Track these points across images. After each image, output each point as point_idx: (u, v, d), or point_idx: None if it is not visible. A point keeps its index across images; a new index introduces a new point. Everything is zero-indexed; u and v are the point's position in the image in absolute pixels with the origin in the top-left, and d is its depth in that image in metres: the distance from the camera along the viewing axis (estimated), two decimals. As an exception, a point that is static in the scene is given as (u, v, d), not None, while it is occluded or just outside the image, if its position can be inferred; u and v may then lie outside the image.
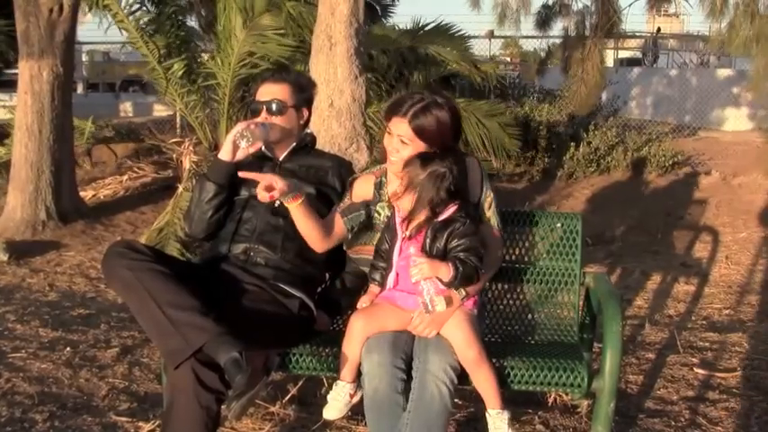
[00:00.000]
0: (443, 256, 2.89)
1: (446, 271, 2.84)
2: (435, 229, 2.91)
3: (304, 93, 3.49)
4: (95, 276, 6.31)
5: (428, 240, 2.91)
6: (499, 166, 9.93)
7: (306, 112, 3.50)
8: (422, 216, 2.92)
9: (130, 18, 8.38)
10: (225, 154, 3.28)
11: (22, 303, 5.56)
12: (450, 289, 2.90)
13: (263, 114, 3.36)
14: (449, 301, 2.88)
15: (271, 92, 3.39)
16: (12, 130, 9.46)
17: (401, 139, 3.01)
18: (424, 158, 2.93)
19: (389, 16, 14.41)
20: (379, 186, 3.20)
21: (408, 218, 2.95)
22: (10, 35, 9.39)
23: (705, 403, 3.96)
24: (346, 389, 3.01)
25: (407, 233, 2.95)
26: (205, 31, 11.48)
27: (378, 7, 13.34)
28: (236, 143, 3.23)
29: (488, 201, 3.14)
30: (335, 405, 3.03)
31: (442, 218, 2.91)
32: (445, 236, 2.89)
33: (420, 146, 2.99)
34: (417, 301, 2.87)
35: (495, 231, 3.15)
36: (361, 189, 3.24)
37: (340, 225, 3.21)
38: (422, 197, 2.89)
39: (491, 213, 3.14)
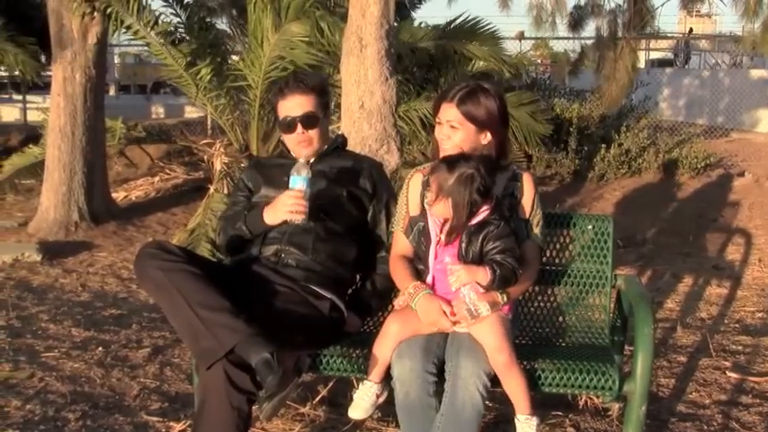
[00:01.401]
0: (480, 259, 2.89)
1: (483, 275, 2.84)
2: (470, 233, 2.90)
3: (326, 95, 3.50)
4: (127, 277, 6.36)
5: (463, 245, 2.90)
6: (536, 161, 9.91)
7: (329, 113, 3.54)
8: (456, 220, 2.90)
9: (152, 33, 8.40)
10: (272, 221, 3.25)
11: (55, 303, 5.62)
12: (492, 292, 2.90)
13: (299, 129, 3.37)
14: (492, 304, 2.87)
15: (299, 104, 3.37)
16: (43, 131, 9.59)
17: (451, 125, 3.08)
18: (449, 163, 2.93)
19: (417, 9, 14.31)
20: (426, 184, 3.19)
21: (443, 223, 2.94)
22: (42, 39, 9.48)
23: (738, 407, 3.92)
24: (373, 389, 3.01)
25: (442, 238, 2.95)
26: (236, 32, 11.53)
27: (406, 2, 13.25)
28: (288, 220, 3.20)
29: (537, 219, 3.18)
30: (361, 404, 3.03)
31: (475, 221, 2.91)
32: (480, 239, 2.89)
33: (470, 129, 3.06)
34: (458, 308, 2.86)
35: (540, 247, 3.21)
36: (414, 193, 3.22)
37: (406, 243, 3.18)
38: (455, 202, 2.87)
39: (538, 231, 3.17)
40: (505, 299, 2.92)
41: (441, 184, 2.90)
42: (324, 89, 3.50)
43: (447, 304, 2.90)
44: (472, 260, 2.89)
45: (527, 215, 3.14)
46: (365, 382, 3.03)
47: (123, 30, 8.34)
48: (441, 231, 2.95)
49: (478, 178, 2.88)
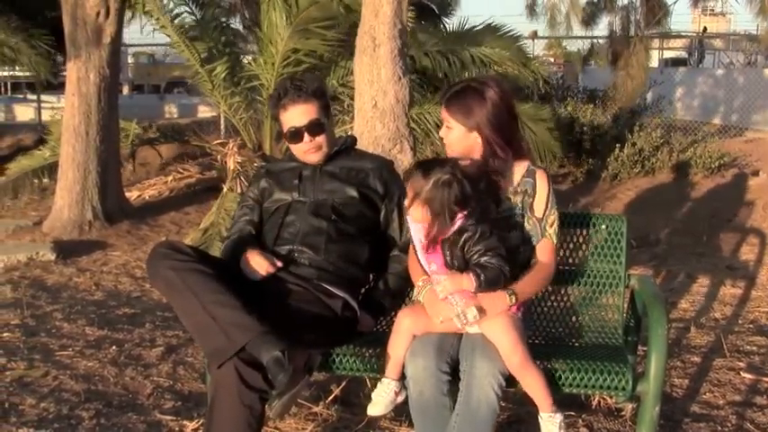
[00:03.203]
0: (466, 265, 2.86)
1: (468, 282, 2.81)
2: (449, 243, 2.86)
3: (326, 97, 3.46)
4: (140, 276, 6.38)
5: (447, 256, 2.88)
6: (548, 162, 9.88)
7: (331, 114, 3.53)
8: (436, 227, 2.86)
9: (172, 23, 8.43)
10: (250, 275, 3.18)
11: (69, 302, 5.64)
12: (499, 292, 2.87)
13: (306, 137, 3.35)
14: (480, 309, 2.84)
15: (302, 113, 3.33)
16: (49, 132, 9.65)
17: (446, 125, 3.11)
18: (424, 168, 2.88)
19: (451, 15, 14.21)
20: None
21: (426, 231, 2.91)
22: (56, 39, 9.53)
23: (752, 408, 3.90)
24: (391, 386, 3.00)
25: (425, 244, 2.92)
26: (248, 32, 11.56)
27: (434, 8, 13.19)
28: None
29: (551, 219, 3.11)
30: (380, 401, 3.02)
31: (451, 232, 2.86)
32: (459, 247, 2.85)
33: (461, 129, 3.06)
34: (449, 314, 2.86)
35: (554, 247, 3.14)
36: None
37: None
38: (433, 209, 2.83)
39: (552, 231, 3.11)
40: (513, 300, 2.90)
41: (416, 190, 2.85)
42: (323, 91, 3.45)
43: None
44: (459, 267, 2.86)
45: (541, 214, 3.11)
46: (383, 379, 3.03)
47: (145, 21, 8.36)
48: (425, 237, 2.92)
49: (455, 184, 2.82)
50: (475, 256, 2.84)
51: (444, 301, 2.87)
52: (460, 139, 3.08)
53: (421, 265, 3.04)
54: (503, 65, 9.10)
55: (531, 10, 12.42)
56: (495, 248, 2.85)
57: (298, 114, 3.34)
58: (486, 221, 2.90)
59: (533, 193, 3.10)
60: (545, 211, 3.11)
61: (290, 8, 7.86)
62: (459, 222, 2.86)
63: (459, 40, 9.40)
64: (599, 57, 12.89)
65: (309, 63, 7.98)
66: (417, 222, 2.92)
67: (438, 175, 2.83)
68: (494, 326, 2.85)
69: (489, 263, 2.82)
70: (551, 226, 3.11)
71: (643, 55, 10.42)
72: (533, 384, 2.88)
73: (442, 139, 3.20)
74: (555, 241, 3.13)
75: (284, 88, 3.37)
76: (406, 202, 2.91)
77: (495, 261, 2.83)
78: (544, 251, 3.10)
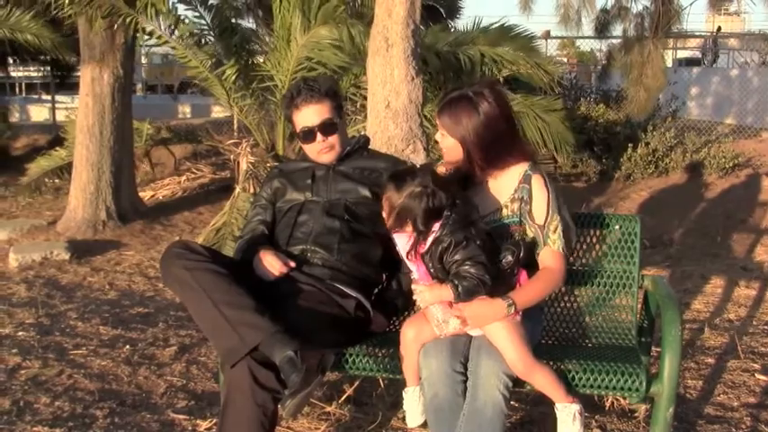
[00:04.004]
0: (448, 274, 2.82)
1: (447, 292, 2.79)
2: (427, 257, 2.84)
3: (339, 98, 3.48)
4: (154, 275, 6.41)
5: (430, 268, 2.85)
6: (562, 161, 9.84)
7: (344, 114, 3.53)
8: (412, 239, 2.85)
9: (174, 36, 8.43)
10: (263, 275, 3.18)
11: (83, 302, 5.67)
12: (497, 300, 2.84)
13: (319, 137, 3.37)
14: (462, 320, 2.81)
15: (315, 112, 3.35)
16: (65, 133, 9.69)
17: (440, 131, 3.07)
18: (397, 180, 2.86)
19: (457, 17, 14.23)
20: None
21: (406, 235, 2.90)
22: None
23: (767, 410, 3.88)
24: (416, 392, 2.99)
25: (407, 252, 2.91)
26: (262, 31, 11.56)
27: (441, 9, 13.22)
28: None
29: (554, 225, 3.01)
30: (413, 411, 3.02)
31: (428, 243, 2.83)
32: (437, 259, 2.82)
33: (449, 137, 3.03)
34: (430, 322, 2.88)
35: (559, 253, 3.02)
36: None
37: None
38: (405, 220, 2.83)
39: (556, 237, 3.01)
40: (512, 309, 2.83)
41: (390, 202, 2.85)
42: (336, 92, 3.47)
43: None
44: (441, 278, 2.83)
45: (542, 221, 3.01)
46: (406, 389, 3.03)
47: (146, 37, 8.40)
48: (406, 254, 2.91)
49: (426, 196, 2.79)
50: (453, 267, 2.80)
51: (426, 311, 2.89)
52: (451, 147, 3.05)
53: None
54: (515, 65, 9.06)
55: (526, 5, 12.33)
56: (473, 257, 2.78)
57: (311, 114, 3.35)
58: (462, 229, 2.83)
59: (530, 199, 3.02)
60: (546, 218, 3.01)
61: (305, 12, 7.85)
62: (433, 235, 2.83)
63: (472, 39, 9.38)
64: (613, 59, 12.80)
65: (322, 71, 7.98)
66: (396, 233, 2.91)
67: (410, 189, 2.81)
68: (495, 332, 2.84)
69: (468, 272, 2.77)
70: (554, 232, 3.01)
71: (658, 61, 10.36)
72: (543, 382, 2.87)
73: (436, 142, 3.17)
74: (559, 248, 3.02)
75: (297, 88, 3.39)
76: (384, 215, 2.90)
77: (474, 270, 2.76)
78: (549, 259, 3.01)
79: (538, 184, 3.03)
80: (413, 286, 2.91)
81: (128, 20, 7.87)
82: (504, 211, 3.06)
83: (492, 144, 3.00)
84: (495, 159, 3.03)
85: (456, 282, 2.77)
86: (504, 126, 3.03)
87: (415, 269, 2.94)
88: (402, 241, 2.93)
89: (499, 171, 3.06)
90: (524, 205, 3.03)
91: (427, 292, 2.83)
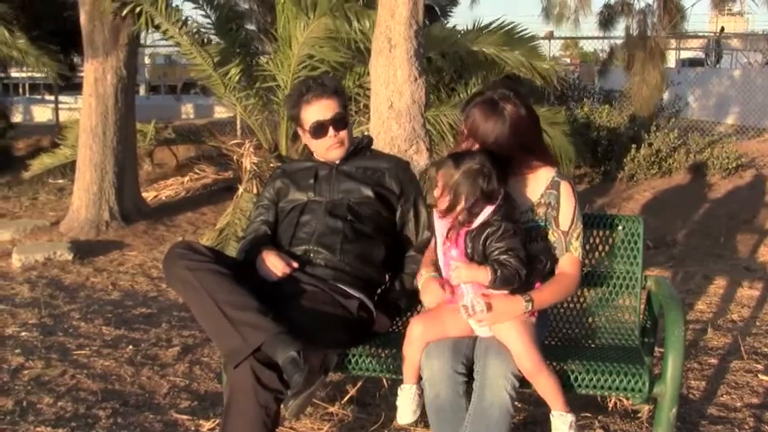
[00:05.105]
0: (484, 260, 2.85)
1: (484, 274, 2.80)
2: (472, 235, 2.85)
3: (345, 97, 3.51)
4: (157, 276, 6.41)
5: (468, 248, 2.86)
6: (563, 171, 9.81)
7: (349, 113, 3.55)
8: (459, 218, 2.86)
9: (181, 33, 8.43)
10: (266, 276, 3.19)
11: (86, 302, 5.67)
12: (516, 297, 2.86)
13: (331, 131, 3.38)
14: (489, 307, 2.83)
15: (327, 107, 3.38)
16: (65, 130, 9.71)
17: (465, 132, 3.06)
18: (455, 158, 2.88)
19: (449, 17, 14.27)
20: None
21: (452, 222, 2.89)
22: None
23: (770, 411, 3.88)
24: (413, 390, 2.99)
25: (447, 236, 2.91)
26: (264, 33, 11.58)
27: (437, 8, 13.23)
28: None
29: (577, 232, 3.05)
30: (405, 409, 3.01)
31: (476, 223, 2.85)
32: (482, 241, 2.83)
33: (471, 141, 3.01)
34: (458, 301, 2.86)
35: (578, 261, 3.07)
36: None
37: None
38: (458, 196, 2.82)
39: (578, 244, 3.06)
40: (530, 306, 2.86)
41: (447, 179, 2.85)
42: (342, 91, 3.51)
43: (451, 291, 2.89)
44: (477, 260, 2.84)
45: (567, 228, 3.04)
46: (402, 386, 3.02)
47: (153, 29, 8.40)
48: (450, 223, 2.90)
49: (484, 175, 2.81)
50: (495, 253, 2.82)
51: (456, 288, 2.87)
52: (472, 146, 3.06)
53: (433, 261, 3.03)
54: (517, 65, 9.03)
55: (548, 13, 12.35)
56: (515, 249, 2.82)
57: (323, 109, 3.37)
58: (511, 220, 2.88)
59: (557, 206, 3.04)
60: (571, 225, 3.05)
61: (306, 13, 7.85)
62: (484, 215, 2.85)
63: (473, 39, 9.34)
64: (617, 58, 12.80)
65: (324, 69, 7.98)
66: (443, 214, 2.90)
67: (468, 165, 2.83)
68: (507, 330, 2.84)
69: (508, 261, 2.80)
70: (577, 239, 3.06)
71: (660, 60, 10.35)
72: (546, 387, 2.86)
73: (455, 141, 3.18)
74: (580, 255, 3.07)
75: (307, 85, 3.43)
76: (436, 192, 2.89)
77: (514, 262, 2.80)
78: (568, 264, 3.04)
79: (566, 192, 3.05)
80: (451, 262, 2.88)
81: (137, 9, 7.87)
82: (531, 215, 3.06)
83: (520, 148, 3.01)
84: (521, 164, 3.04)
85: (496, 267, 2.79)
86: (534, 126, 3.06)
87: (442, 258, 2.93)
88: (442, 228, 2.93)
89: (524, 176, 3.07)
90: (551, 211, 3.04)
91: (464, 270, 2.82)
